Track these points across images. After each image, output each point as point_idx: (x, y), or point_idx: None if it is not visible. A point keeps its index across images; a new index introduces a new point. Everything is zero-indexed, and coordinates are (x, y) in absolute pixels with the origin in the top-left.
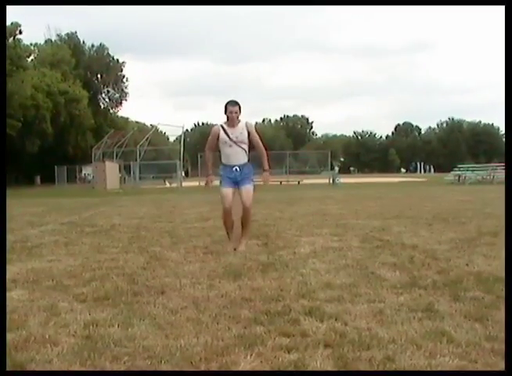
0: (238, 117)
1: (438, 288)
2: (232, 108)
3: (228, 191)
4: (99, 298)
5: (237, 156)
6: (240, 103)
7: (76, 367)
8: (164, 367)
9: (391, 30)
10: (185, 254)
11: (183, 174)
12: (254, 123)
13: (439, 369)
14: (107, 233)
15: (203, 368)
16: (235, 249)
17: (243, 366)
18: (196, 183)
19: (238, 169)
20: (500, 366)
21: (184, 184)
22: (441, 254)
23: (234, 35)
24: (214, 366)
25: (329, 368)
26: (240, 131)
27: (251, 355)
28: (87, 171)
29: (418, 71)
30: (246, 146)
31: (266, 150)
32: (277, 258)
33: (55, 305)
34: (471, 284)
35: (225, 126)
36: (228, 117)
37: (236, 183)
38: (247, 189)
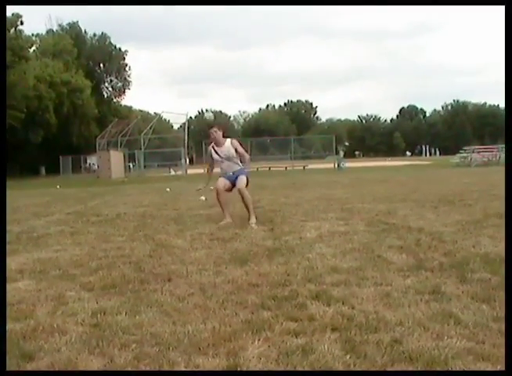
0: (219, 136)
1: (445, 270)
2: (209, 130)
3: (223, 179)
4: (106, 286)
5: (230, 167)
6: (217, 124)
7: (84, 356)
8: (172, 354)
9: (393, 12)
10: (191, 241)
11: (188, 161)
12: (257, 109)
13: (446, 351)
14: (113, 221)
15: (210, 355)
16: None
17: (251, 351)
18: (201, 170)
19: (232, 174)
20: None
21: (189, 171)
22: (448, 237)
23: (235, 21)
24: (222, 352)
25: (336, 352)
26: (228, 150)
27: (259, 340)
28: (91, 160)
29: (422, 53)
30: (236, 159)
31: (247, 153)
32: (283, 244)
33: (62, 295)
34: (478, 266)
35: (214, 146)
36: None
37: (232, 181)
38: (241, 178)
